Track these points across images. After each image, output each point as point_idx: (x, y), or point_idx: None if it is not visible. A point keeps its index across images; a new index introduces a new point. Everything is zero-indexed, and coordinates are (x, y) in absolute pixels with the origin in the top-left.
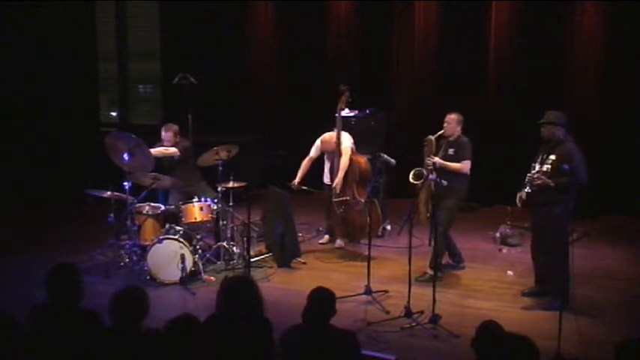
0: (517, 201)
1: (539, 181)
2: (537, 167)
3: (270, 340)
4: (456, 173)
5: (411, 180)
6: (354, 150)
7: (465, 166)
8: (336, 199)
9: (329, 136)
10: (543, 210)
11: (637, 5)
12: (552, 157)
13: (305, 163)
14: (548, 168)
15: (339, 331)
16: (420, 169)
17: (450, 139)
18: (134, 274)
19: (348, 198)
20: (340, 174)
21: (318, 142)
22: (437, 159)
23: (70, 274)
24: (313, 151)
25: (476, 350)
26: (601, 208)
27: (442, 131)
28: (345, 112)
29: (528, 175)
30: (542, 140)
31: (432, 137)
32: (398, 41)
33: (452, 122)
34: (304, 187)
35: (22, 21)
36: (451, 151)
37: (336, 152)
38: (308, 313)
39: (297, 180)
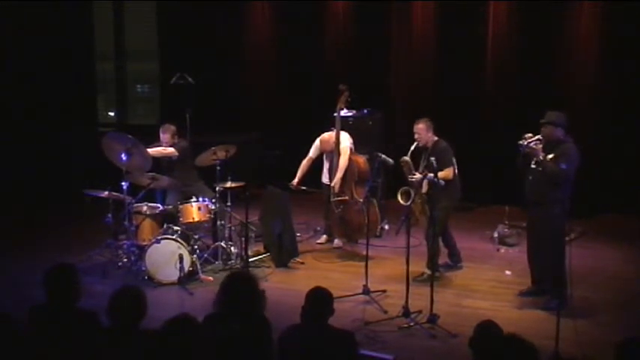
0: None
1: (533, 146)
2: (534, 166)
3: (269, 340)
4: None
5: (399, 201)
6: (352, 150)
7: (448, 173)
8: (335, 199)
9: (328, 135)
10: (541, 210)
11: (635, 5)
12: (550, 156)
13: (304, 164)
14: None
15: (337, 331)
16: (406, 188)
17: (428, 146)
18: (132, 274)
19: (346, 198)
20: (339, 174)
21: (317, 142)
22: (418, 175)
23: (67, 274)
24: (312, 151)
25: (474, 350)
26: (598, 207)
27: (416, 143)
28: (343, 112)
29: (531, 136)
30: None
31: (406, 157)
32: (396, 41)
33: (422, 131)
34: (303, 188)
35: (19, 21)
36: (432, 159)
37: (335, 152)
38: (306, 313)
39: (296, 180)
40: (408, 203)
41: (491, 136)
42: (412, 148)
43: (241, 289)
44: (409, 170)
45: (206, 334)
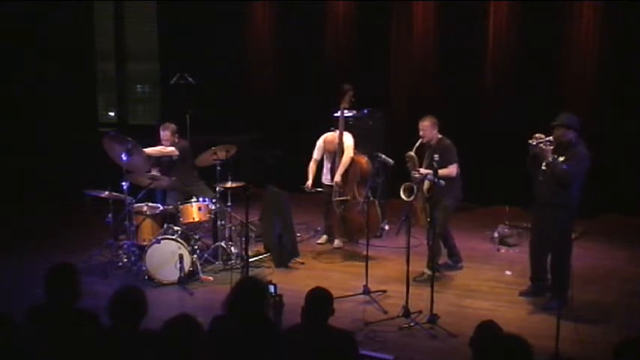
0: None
1: (542, 145)
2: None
3: (274, 344)
4: (446, 177)
5: (402, 197)
6: (355, 150)
7: (452, 170)
8: (337, 199)
9: (331, 136)
10: (548, 211)
11: (635, 5)
12: (561, 159)
13: (312, 166)
14: None
15: (337, 331)
16: (409, 184)
17: (432, 143)
18: (132, 274)
19: (348, 198)
20: (341, 169)
21: (320, 142)
22: (423, 170)
23: (68, 274)
24: (316, 153)
25: (474, 350)
26: (598, 207)
27: (420, 140)
28: (345, 112)
29: (541, 136)
30: (554, 141)
31: (412, 152)
32: (396, 41)
33: (427, 128)
34: (319, 189)
35: (20, 21)
36: (436, 157)
37: (337, 152)
38: (306, 313)
39: (310, 182)
40: (411, 199)
41: (491, 135)
42: (417, 144)
43: (250, 293)
44: (413, 166)
45: (212, 334)
